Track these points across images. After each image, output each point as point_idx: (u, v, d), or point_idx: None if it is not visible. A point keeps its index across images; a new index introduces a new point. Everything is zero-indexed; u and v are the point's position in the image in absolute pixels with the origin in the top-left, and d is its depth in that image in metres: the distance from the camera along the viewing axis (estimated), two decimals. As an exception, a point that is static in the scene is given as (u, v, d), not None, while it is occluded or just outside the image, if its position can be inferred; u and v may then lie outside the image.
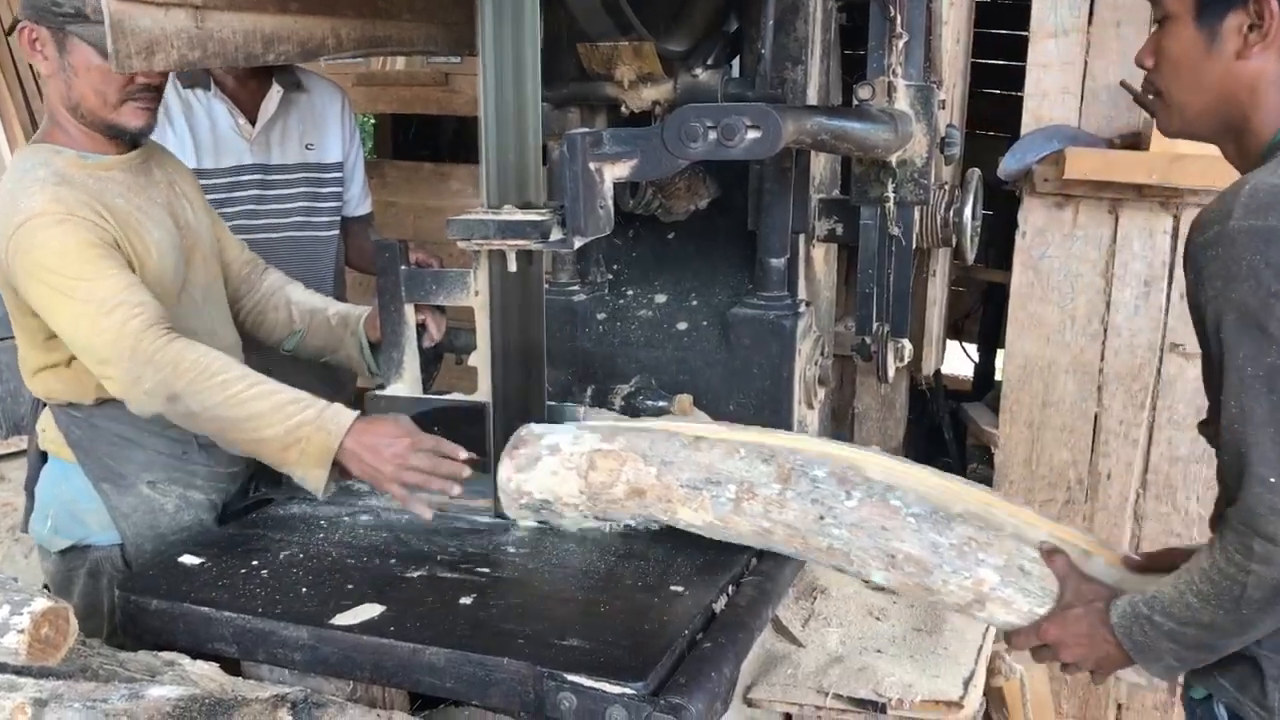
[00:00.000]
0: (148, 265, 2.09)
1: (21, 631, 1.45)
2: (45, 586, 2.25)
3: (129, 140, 2.15)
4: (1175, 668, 1.56)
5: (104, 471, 2.17)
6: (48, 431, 2.21)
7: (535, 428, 2.04)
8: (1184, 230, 2.90)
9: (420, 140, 5.46)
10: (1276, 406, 1.36)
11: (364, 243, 3.12)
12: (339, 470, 1.96)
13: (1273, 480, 1.37)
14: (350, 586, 1.82)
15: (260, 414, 1.93)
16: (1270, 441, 1.37)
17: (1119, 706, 3.24)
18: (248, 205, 2.86)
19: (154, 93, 2.11)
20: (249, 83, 2.83)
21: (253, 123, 2.85)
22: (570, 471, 1.95)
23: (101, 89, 2.04)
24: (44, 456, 2.25)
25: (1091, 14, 2.96)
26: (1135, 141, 2.90)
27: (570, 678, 1.52)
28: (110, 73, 1.96)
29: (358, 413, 1.98)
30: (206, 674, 1.63)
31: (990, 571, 1.72)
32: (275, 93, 2.87)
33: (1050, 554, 1.71)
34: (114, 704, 1.44)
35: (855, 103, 2.22)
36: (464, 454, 1.99)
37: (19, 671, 1.53)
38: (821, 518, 1.79)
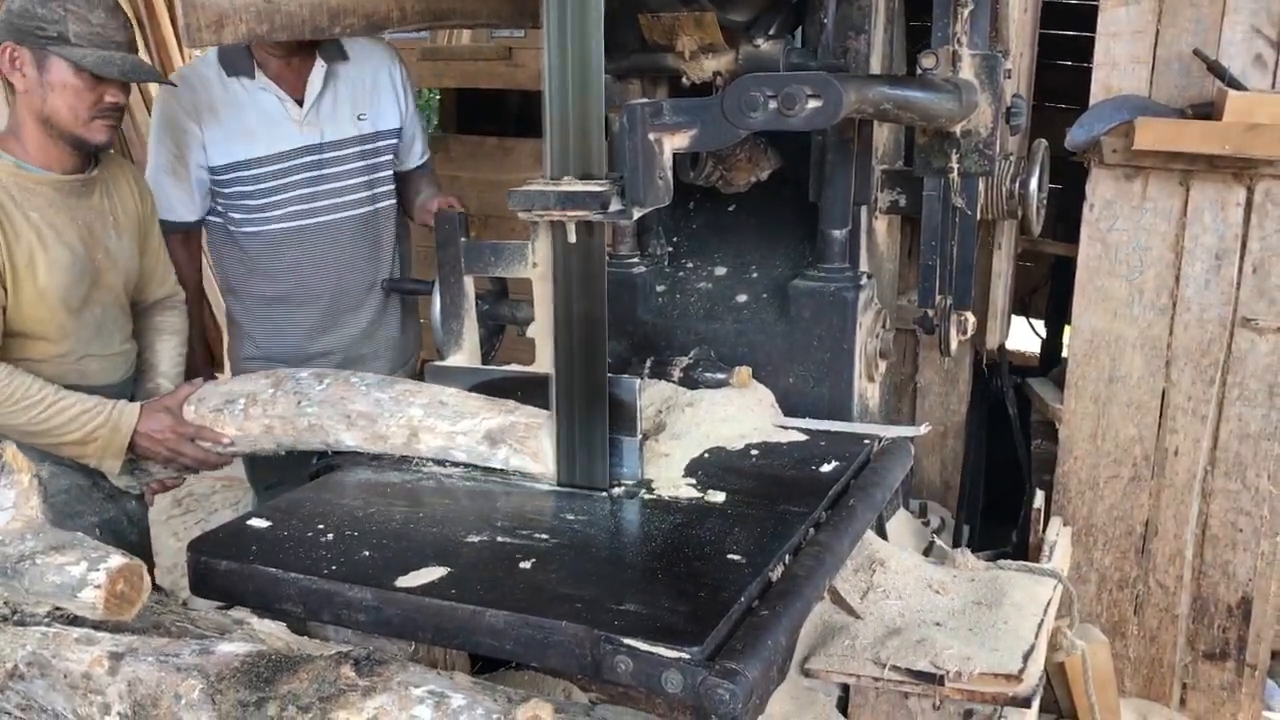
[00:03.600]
0: (30, 278, 2.26)
1: (98, 587, 1.50)
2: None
3: (88, 154, 2.35)
4: None
5: None
6: None
7: None
8: (1258, 202, 2.85)
9: (484, 115, 5.49)
10: None
11: (425, 195, 3.09)
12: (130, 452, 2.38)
13: None
14: (413, 550, 1.85)
15: (58, 427, 2.29)
16: None
17: (1184, 686, 3.20)
18: (304, 189, 2.88)
19: (119, 113, 2.32)
20: (292, 61, 2.83)
21: (300, 103, 2.85)
22: None
23: (74, 105, 2.25)
24: None
25: (1165, -19, 2.89)
26: (1208, 112, 2.83)
27: (627, 641, 1.53)
28: (83, 91, 2.23)
29: (139, 407, 2.37)
30: (273, 632, 1.67)
31: (418, 410, 2.17)
32: (319, 68, 2.86)
33: None
34: (185, 659, 1.48)
35: (919, 72, 2.20)
36: (226, 438, 2.34)
37: (96, 626, 1.59)
38: (300, 403, 2.26)
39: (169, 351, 2.68)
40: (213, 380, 2.45)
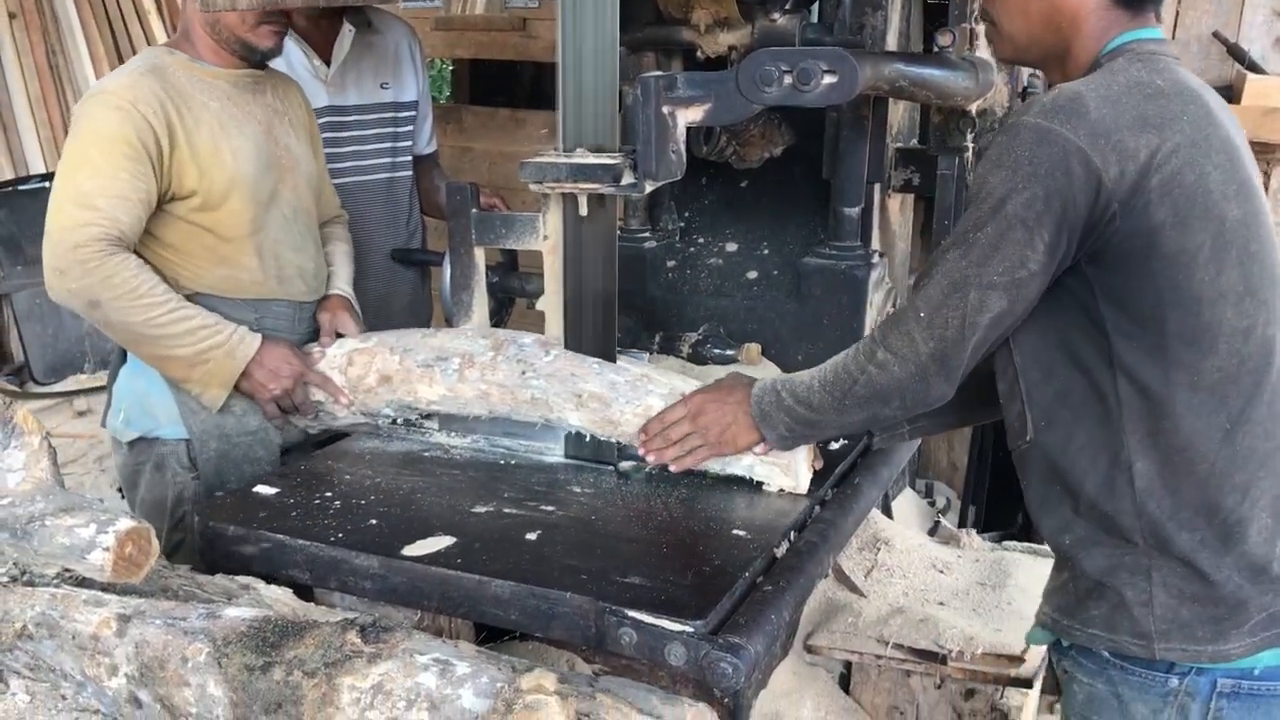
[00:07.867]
0: (217, 165, 2.20)
1: (107, 549, 1.51)
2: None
3: (255, 61, 2.31)
4: (786, 438, 1.83)
5: None
6: None
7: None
8: (1275, 186, 2.83)
9: (497, 86, 5.47)
10: (958, 268, 1.51)
11: (430, 183, 3.16)
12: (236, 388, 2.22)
13: (923, 315, 1.56)
14: (419, 519, 1.86)
15: (173, 336, 2.14)
16: (940, 289, 1.53)
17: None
18: (327, 149, 2.88)
19: (286, 18, 2.29)
20: (321, 23, 2.84)
21: (327, 63, 2.87)
22: (334, 371, 2.24)
23: (243, 9, 2.20)
24: (124, 354, 2.34)
25: (1186, -38, 2.87)
26: (1227, 94, 2.81)
27: (631, 614, 1.54)
28: None
29: (260, 337, 2.22)
30: (280, 598, 1.68)
31: (657, 400, 1.99)
32: (348, 32, 2.89)
33: None
34: (192, 622, 1.49)
35: (935, 50, 2.19)
36: (345, 398, 2.21)
37: (104, 588, 1.60)
38: (524, 373, 2.08)
39: (342, 257, 2.58)
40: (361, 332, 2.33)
